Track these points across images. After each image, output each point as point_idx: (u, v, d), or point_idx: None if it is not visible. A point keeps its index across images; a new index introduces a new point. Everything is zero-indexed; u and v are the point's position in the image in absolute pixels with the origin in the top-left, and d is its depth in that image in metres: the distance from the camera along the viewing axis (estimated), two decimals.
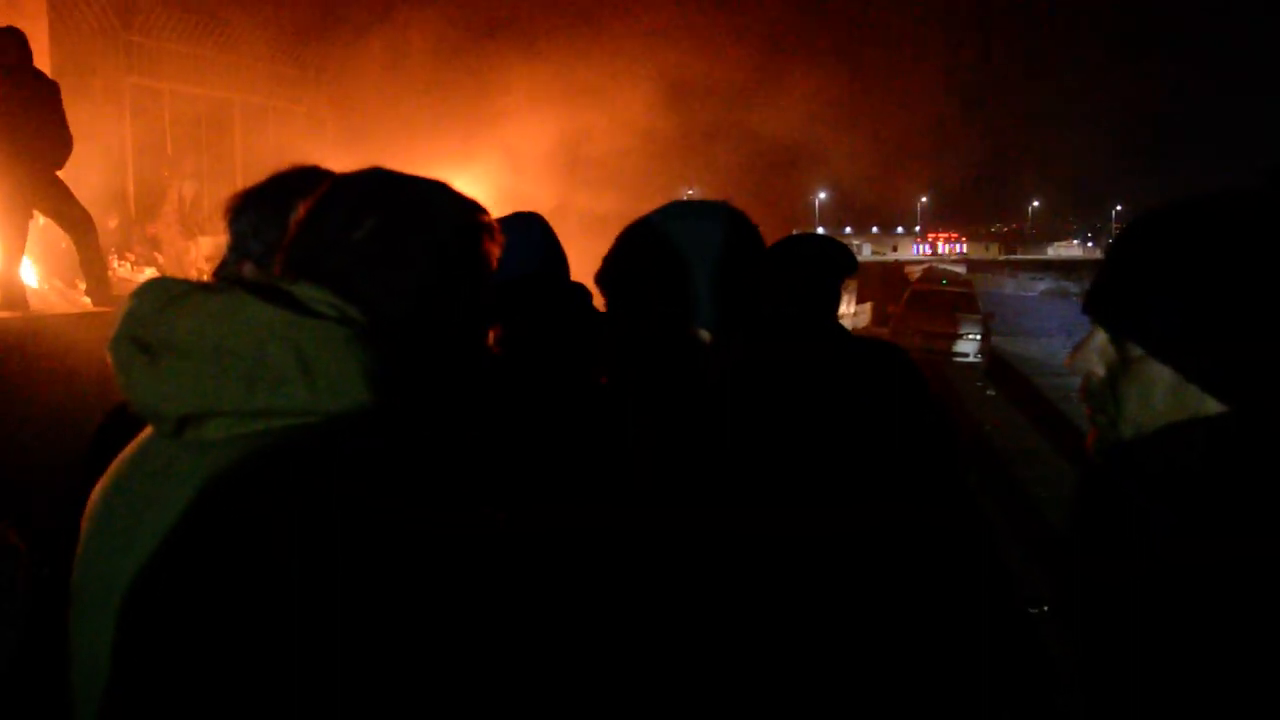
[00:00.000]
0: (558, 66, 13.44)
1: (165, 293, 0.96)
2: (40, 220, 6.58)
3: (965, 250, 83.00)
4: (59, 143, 6.25)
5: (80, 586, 0.98)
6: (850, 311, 22.59)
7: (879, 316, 23.31)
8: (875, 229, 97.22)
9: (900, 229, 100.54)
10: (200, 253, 10.55)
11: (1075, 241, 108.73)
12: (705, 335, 1.39)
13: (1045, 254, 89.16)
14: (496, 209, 1.29)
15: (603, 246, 1.49)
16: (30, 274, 7.02)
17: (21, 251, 6.24)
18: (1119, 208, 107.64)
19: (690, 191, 19.00)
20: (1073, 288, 38.82)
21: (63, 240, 7.01)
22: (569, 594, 1.22)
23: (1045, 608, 1.89)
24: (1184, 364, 1.00)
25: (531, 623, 1.01)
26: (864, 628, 1.22)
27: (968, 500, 1.38)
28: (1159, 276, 1.01)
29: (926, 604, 1.25)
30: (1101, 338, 1.07)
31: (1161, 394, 1.02)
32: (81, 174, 7.07)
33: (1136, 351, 1.03)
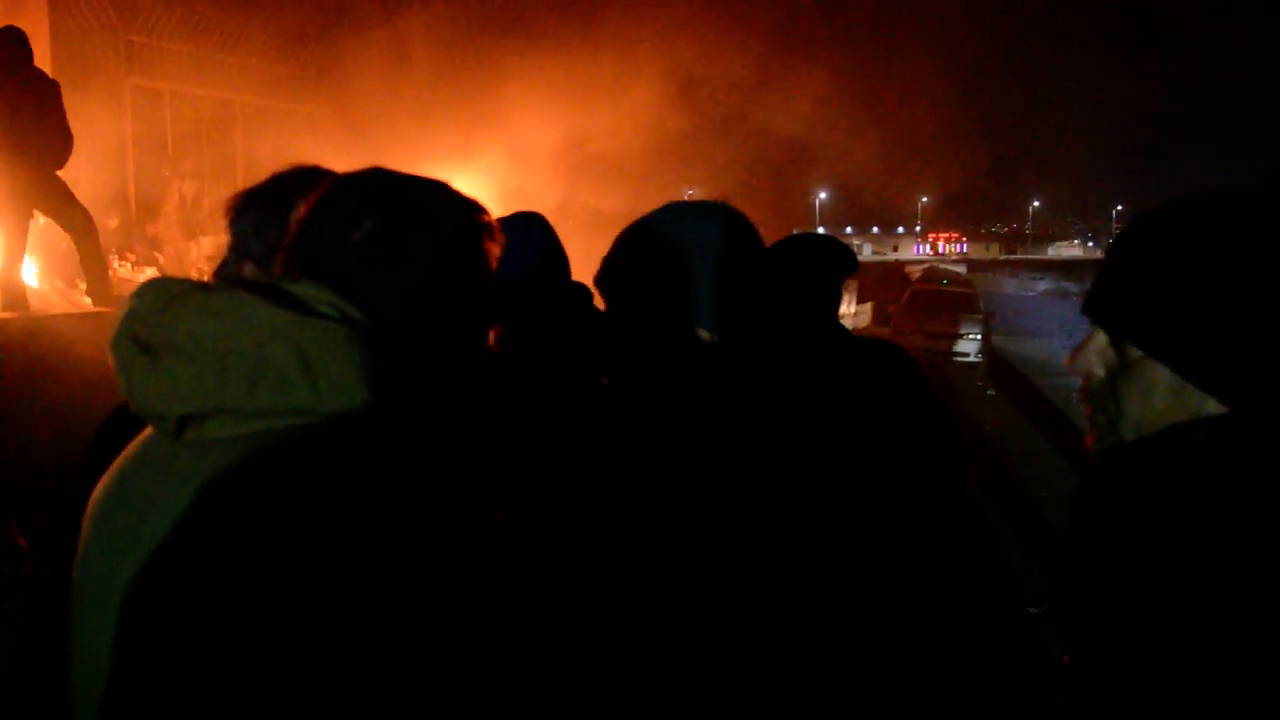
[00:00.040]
0: (558, 66, 13.45)
1: (166, 293, 0.96)
2: (40, 220, 6.58)
3: (966, 250, 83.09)
4: (59, 142, 6.24)
5: (81, 586, 0.98)
6: (851, 311, 22.57)
7: (879, 316, 23.27)
8: (876, 229, 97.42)
9: (901, 229, 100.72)
10: (201, 253, 10.54)
11: (1076, 242, 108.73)
12: (705, 335, 1.39)
13: (1046, 254, 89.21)
14: (498, 209, 1.29)
15: (604, 246, 1.49)
16: (30, 274, 7.02)
17: (22, 251, 6.24)
18: (1119, 208, 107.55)
19: (691, 191, 19.02)
20: (1073, 288, 38.75)
21: (63, 240, 7.01)
22: (569, 594, 1.22)
23: (1045, 607, 1.89)
24: (1184, 365, 1.00)
25: (532, 623, 1.01)
26: (864, 628, 1.22)
27: (968, 500, 1.38)
28: (1159, 277, 1.01)
29: (927, 604, 1.25)
30: (1101, 338, 1.07)
31: (1162, 395, 1.02)
32: (81, 174, 7.08)
33: (1136, 352, 1.03)
